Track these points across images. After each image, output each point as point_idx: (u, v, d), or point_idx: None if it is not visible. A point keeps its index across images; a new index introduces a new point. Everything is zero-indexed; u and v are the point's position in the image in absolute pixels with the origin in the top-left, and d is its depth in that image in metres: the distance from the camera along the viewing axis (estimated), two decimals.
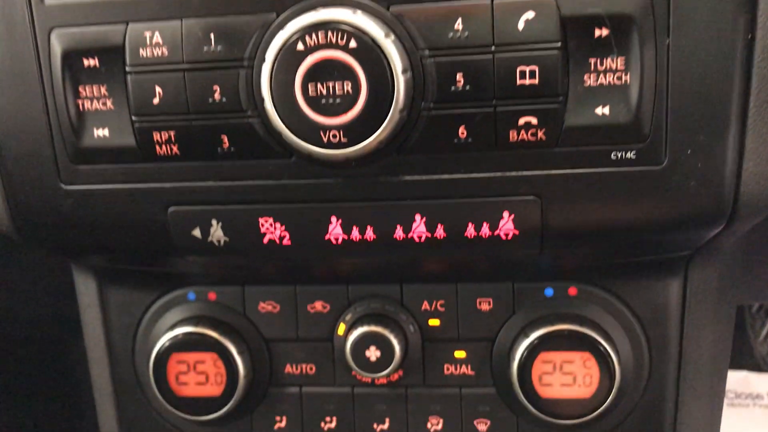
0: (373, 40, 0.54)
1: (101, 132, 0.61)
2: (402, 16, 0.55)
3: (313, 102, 0.55)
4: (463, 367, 0.72)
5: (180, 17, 0.57)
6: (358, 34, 0.53)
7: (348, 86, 0.54)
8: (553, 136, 0.57)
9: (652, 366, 0.71)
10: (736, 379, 1.68)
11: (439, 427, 0.74)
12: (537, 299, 0.70)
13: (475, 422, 0.73)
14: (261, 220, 0.63)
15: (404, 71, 0.54)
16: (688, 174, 0.57)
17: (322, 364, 0.74)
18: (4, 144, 0.63)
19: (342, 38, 0.54)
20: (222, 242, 0.64)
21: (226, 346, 0.72)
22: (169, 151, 0.60)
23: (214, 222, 0.63)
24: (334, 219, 0.62)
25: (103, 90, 0.60)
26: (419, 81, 0.56)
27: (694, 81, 0.55)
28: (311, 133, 0.56)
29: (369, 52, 0.54)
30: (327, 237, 0.63)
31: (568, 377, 0.68)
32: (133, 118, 0.60)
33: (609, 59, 0.55)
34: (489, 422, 0.73)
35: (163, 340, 0.72)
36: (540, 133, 0.57)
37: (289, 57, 0.54)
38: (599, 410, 0.68)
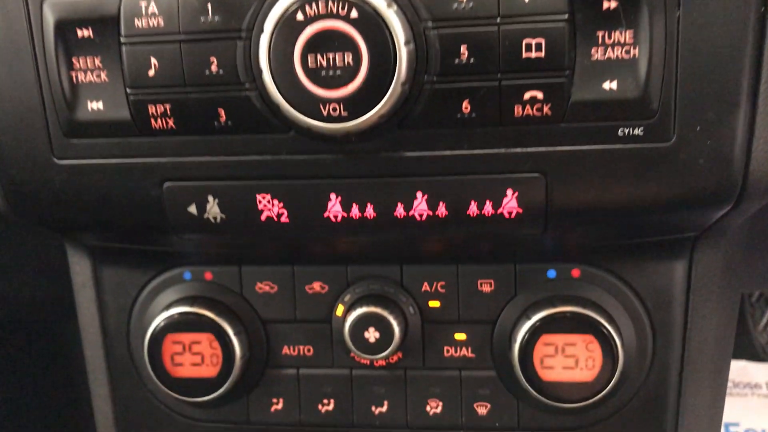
0: (375, 10, 0.52)
1: (95, 105, 0.60)
2: None
3: (313, 74, 0.54)
4: (464, 349, 0.72)
5: None
6: (360, 3, 0.52)
7: (349, 58, 0.53)
8: (558, 111, 0.56)
9: (655, 350, 0.70)
10: (735, 369, 1.68)
11: (438, 410, 0.73)
12: (539, 281, 0.69)
13: (474, 405, 0.72)
14: (258, 197, 0.61)
15: (407, 43, 0.53)
16: (697, 151, 0.56)
17: (320, 346, 0.73)
18: None
19: (343, 8, 0.52)
20: (218, 219, 0.63)
21: (223, 327, 0.71)
22: (165, 125, 0.59)
23: (210, 198, 0.62)
24: (333, 196, 0.61)
25: (97, 62, 0.59)
26: (422, 53, 0.54)
27: (704, 55, 0.54)
28: (310, 106, 0.54)
29: (370, 23, 0.52)
30: (326, 214, 0.61)
31: (570, 360, 0.67)
32: (128, 90, 0.59)
33: (617, 32, 0.54)
34: (489, 405, 0.72)
35: (158, 320, 0.71)
36: (545, 108, 0.55)
37: (288, 27, 0.53)
38: (601, 394, 0.67)
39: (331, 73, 0.53)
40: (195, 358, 0.72)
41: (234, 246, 0.71)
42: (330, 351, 0.73)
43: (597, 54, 0.54)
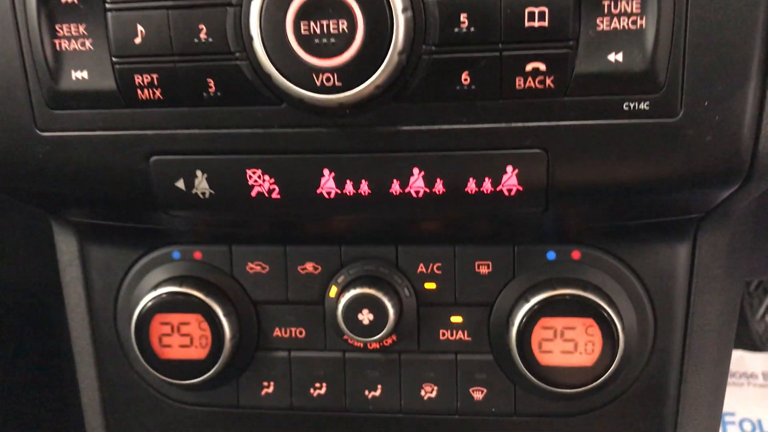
0: None
1: (79, 74, 0.58)
2: None
3: (306, 42, 0.52)
4: (460, 332, 0.70)
5: None
6: None
7: (343, 25, 0.51)
8: (561, 84, 0.54)
9: (656, 335, 0.69)
10: (731, 358, 1.67)
11: (433, 394, 0.71)
12: (538, 263, 0.68)
13: (470, 390, 0.71)
14: (249, 172, 0.59)
15: (404, 10, 0.51)
16: (705, 127, 0.54)
17: (312, 328, 0.72)
18: None
19: None
20: (207, 195, 0.61)
21: (212, 308, 0.69)
22: (152, 96, 0.57)
23: (198, 173, 0.60)
24: (326, 171, 0.59)
25: (81, 29, 0.57)
26: (420, 21, 0.52)
27: (713, 27, 0.52)
28: (303, 75, 0.52)
29: None
30: (319, 191, 0.60)
31: (569, 344, 0.66)
32: (114, 59, 0.57)
33: (624, 2, 0.52)
34: (485, 390, 0.71)
35: (146, 300, 0.70)
36: (548, 81, 0.54)
37: None
38: (601, 379, 0.66)
39: (324, 41, 0.51)
40: (183, 339, 0.70)
41: (224, 224, 0.69)
42: (322, 333, 0.72)
43: (602, 24, 0.52)
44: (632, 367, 0.69)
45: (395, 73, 0.53)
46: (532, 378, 0.66)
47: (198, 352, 0.70)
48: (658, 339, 0.69)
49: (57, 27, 0.57)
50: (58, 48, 0.58)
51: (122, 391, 0.77)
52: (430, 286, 0.69)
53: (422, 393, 0.72)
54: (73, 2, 0.56)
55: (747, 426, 1.68)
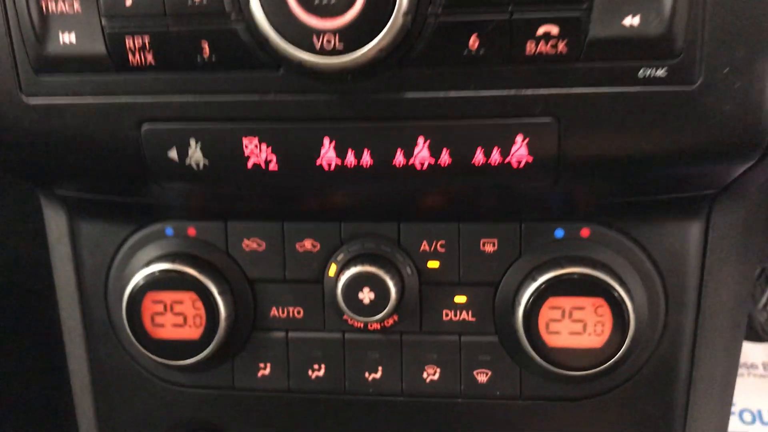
0: None
1: (67, 37, 0.55)
2: None
3: (305, 1, 0.49)
4: (464, 313, 0.68)
5: None
6: None
7: None
8: (574, 49, 0.51)
9: (668, 316, 0.66)
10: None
11: (436, 377, 0.69)
12: (546, 241, 0.66)
13: (474, 372, 0.69)
14: (245, 141, 0.57)
15: None
16: (724, 96, 0.52)
17: (310, 308, 0.70)
18: None
19: None
20: (201, 165, 0.58)
21: (206, 286, 0.67)
22: (143, 60, 0.55)
23: (192, 142, 0.58)
24: (326, 141, 0.56)
25: None
26: None
27: None
28: (302, 37, 0.50)
29: None
30: (318, 162, 0.57)
31: (577, 325, 0.64)
32: (103, 21, 0.54)
33: None
34: (490, 372, 0.69)
35: (138, 278, 0.68)
36: (560, 46, 0.51)
37: None
38: (610, 362, 0.64)
39: (325, 0, 0.49)
40: (177, 318, 0.68)
41: (219, 198, 0.67)
42: (321, 313, 0.70)
43: None
44: (643, 349, 0.67)
45: (400, 36, 0.50)
46: (539, 360, 0.64)
47: (192, 332, 0.68)
48: (669, 320, 0.67)
49: None
50: (44, 10, 0.55)
51: (113, 373, 0.75)
52: (433, 264, 0.67)
53: (424, 375, 0.70)
54: None
55: (747, 416, 1.66)
